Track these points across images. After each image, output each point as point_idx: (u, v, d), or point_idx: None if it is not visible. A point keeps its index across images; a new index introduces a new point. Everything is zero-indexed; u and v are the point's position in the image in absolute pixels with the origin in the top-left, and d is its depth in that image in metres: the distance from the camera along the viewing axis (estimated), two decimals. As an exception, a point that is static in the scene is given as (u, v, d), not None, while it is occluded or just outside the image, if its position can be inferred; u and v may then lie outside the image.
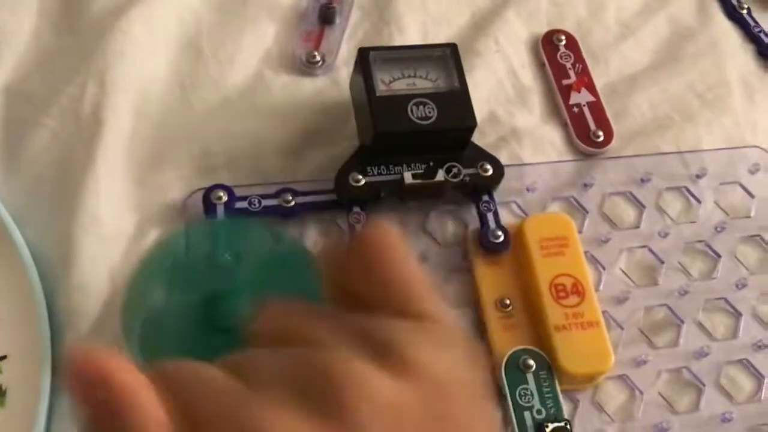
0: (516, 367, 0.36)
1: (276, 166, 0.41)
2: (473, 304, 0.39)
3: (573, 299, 0.38)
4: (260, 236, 0.36)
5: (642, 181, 0.43)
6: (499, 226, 0.39)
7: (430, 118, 0.38)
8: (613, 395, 0.38)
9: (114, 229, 0.38)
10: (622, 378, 0.38)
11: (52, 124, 0.39)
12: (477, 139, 0.44)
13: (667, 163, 0.44)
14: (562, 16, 0.49)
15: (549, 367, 0.37)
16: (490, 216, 0.40)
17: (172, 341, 0.33)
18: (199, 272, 0.33)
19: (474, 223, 0.40)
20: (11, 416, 0.34)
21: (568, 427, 0.36)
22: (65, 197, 0.38)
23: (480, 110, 0.44)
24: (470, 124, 0.39)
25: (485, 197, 0.40)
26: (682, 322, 0.40)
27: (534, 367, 0.36)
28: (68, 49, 0.42)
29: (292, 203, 0.39)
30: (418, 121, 0.38)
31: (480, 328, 0.38)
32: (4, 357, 0.35)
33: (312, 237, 0.40)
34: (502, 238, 0.39)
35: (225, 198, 0.38)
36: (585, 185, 0.43)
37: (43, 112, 0.40)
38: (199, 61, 0.43)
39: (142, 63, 0.42)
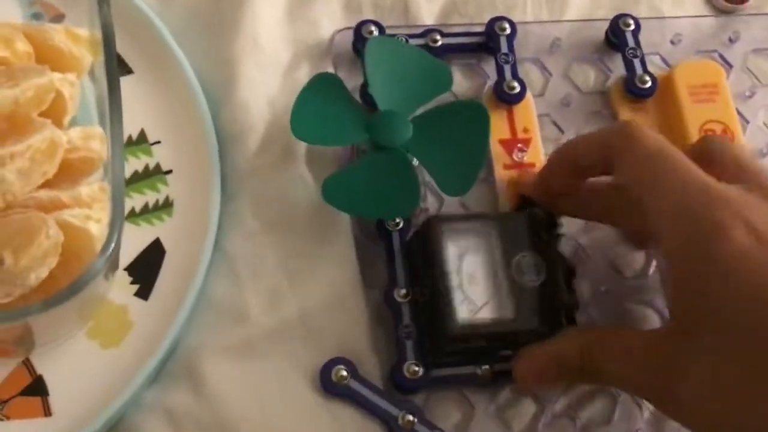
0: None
1: (421, 9, 0.41)
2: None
3: (722, 144, 0.38)
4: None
5: (786, 39, 0.43)
6: (647, 72, 0.39)
7: None
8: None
9: (272, 56, 0.39)
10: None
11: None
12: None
13: (812, 22, 0.43)
14: None
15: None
16: (636, 63, 0.40)
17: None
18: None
19: (618, 71, 0.40)
20: (179, 225, 0.36)
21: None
22: (225, 23, 0.38)
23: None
24: None
25: (631, 43, 0.40)
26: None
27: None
28: None
29: (439, 43, 0.40)
30: None
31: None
32: (169, 171, 0.37)
33: (456, 79, 0.40)
34: (649, 84, 0.39)
35: (376, 33, 0.39)
36: (730, 40, 0.42)
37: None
38: None
39: None
